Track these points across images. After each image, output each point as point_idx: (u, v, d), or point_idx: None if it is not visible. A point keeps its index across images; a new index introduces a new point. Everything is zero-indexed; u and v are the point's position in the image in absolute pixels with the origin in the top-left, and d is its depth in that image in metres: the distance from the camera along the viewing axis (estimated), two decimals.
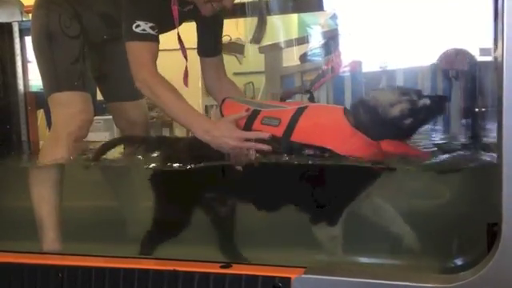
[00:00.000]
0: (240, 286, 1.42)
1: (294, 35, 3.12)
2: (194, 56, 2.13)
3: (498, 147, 1.28)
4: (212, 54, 2.10)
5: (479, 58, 1.98)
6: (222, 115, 1.82)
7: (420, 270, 1.63)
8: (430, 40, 2.15)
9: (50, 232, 1.97)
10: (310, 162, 1.64)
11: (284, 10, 2.62)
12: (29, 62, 2.79)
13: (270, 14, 2.40)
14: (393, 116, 1.60)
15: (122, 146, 2.20)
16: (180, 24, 1.99)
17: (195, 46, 2.13)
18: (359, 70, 2.47)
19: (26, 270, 1.61)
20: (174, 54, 1.96)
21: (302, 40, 2.94)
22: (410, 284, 1.32)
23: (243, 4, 2.15)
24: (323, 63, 2.58)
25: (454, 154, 1.94)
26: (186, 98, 1.81)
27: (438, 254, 1.71)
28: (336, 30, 2.63)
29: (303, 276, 1.39)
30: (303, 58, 2.83)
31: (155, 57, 1.81)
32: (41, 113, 2.96)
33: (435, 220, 1.87)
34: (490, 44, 1.47)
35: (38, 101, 2.79)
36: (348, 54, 2.44)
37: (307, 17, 3.15)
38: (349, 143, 1.62)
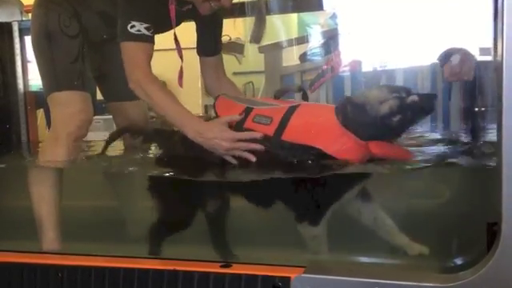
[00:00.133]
0: (240, 285, 1.42)
1: (294, 35, 3.12)
2: (194, 56, 2.13)
3: (497, 147, 1.28)
4: (211, 54, 2.10)
5: (479, 58, 1.99)
6: (216, 112, 1.83)
7: (420, 269, 1.63)
8: (430, 40, 2.15)
9: (49, 232, 1.97)
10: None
11: (284, 10, 2.62)
12: (28, 61, 2.79)
13: (269, 14, 2.40)
14: (381, 114, 1.58)
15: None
16: (179, 24, 1.99)
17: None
18: (359, 69, 2.47)
19: (26, 270, 1.60)
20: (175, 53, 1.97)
21: (302, 39, 2.94)
22: (410, 283, 1.32)
23: (242, 3, 2.15)
24: (323, 63, 2.58)
25: (454, 153, 1.94)
26: (186, 98, 1.81)
27: (438, 254, 1.71)
28: (336, 29, 2.63)
29: (303, 275, 1.39)
30: (303, 57, 2.83)
31: (149, 57, 1.81)
32: (40, 112, 2.96)
33: (435, 219, 1.87)
34: (489, 44, 1.47)
35: (38, 100, 2.79)
36: (348, 53, 2.44)
37: (307, 16, 3.15)
38: (339, 143, 1.60)
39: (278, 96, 1.88)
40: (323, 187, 1.70)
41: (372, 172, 1.69)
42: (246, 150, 1.68)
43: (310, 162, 1.62)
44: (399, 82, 2.38)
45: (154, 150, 2.08)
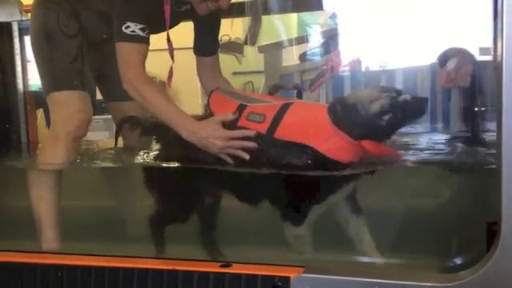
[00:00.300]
0: (239, 285, 1.42)
1: (294, 34, 3.12)
2: (193, 55, 2.13)
3: (497, 147, 1.28)
4: (209, 54, 2.10)
5: (479, 58, 1.99)
6: (209, 108, 1.84)
7: (419, 269, 1.63)
8: (430, 40, 2.15)
9: (49, 231, 1.97)
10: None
11: (283, 10, 2.62)
12: (28, 61, 2.79)
13: (269, 14, 2.40)
14: (371, 113, 1.59)
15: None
16: (177, 23, 1.99)
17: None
18: (359, 69, 2.47)
19: (26, 270, 1.60)
20: (180, 53, 1.97)
21: (302, 39, 2.94)
22: (410, 283, 1.32)
23: (240, 3, 2.15)
24: (323, 62, 2.58)
25: (454, 153, 1.94)
26: (186, 98, 1.81)
27: (438, 253, 1.71)
28: (335, 29, 2.63)
29: (302, 275, 1.39)
30: (303, 57, 2.83)
31: (144, 58, 1.82)
32: (40, 112, 2.96)
33: (435, 219, 1.87)
34: (489, 43, 1.47)
35: (38, 100, 2.79)
36: (347, 53, 2.44)
37: (307, 16, 3.15)
38: (330, 142, 1.61)
39: (272, 92, 1.89)
40: (307, 187, 1.71)
41: (359, 176, 1.71)
42: (239, 148, 1.69)
43: (299, 160, 1.63)
44: (399, 82, 2.38)
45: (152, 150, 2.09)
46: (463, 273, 1.33)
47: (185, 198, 1.91)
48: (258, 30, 2.00)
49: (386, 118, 1.58)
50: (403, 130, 1.80)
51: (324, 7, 2.68)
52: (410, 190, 1.96)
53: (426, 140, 2.18)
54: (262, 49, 2.88)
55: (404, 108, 1.59)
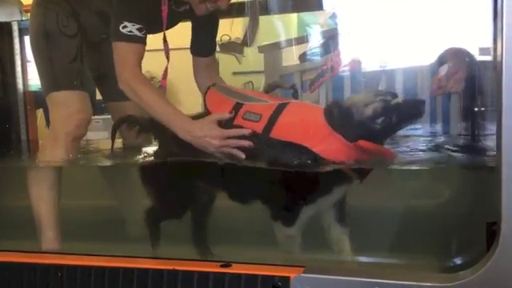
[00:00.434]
0: (239, 285, 1.42)
1: (294, 35, 3.11)
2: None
3: (497, 147, 1.28)
4: (206, 54, 2.10)
5: (478, 58, 1.98)
6: (205, 105, 1.85)
7: (419, 269, 1.63)
8: (430, 40, 2.14)
9: (48, 231, 1.97)
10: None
11: (283, 10, 2.62)
12: (28, 61, 2.79)
13: (269, 14, 2.40)
14: (365, 116, 1.61)
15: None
16: (176, 23, 1.99)
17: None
18: (358, 69, 2.47)
19: (26, 270, 1.60)
20: (177, 53, 1.97)
21: (302, 39, 2.94)
22: (410, 283, 1.32)
23: (239, 4, 2.15)
24: (323, 62, 2.58)
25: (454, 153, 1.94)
26: (186, 98, 1.82)
27: (438, 253, 1.71)
28: (335, 29, 2.63)
29: (302, 275, 1.39)
30: (303, 57, 2.83)
31: (140, 58, 1.82)
32: (40, 112, 2.96)
33: (435, 219, 1.87)
34: (489, 44, 1.47)
35: (38, 100, 2.79)
36: (347, 53, 2.44)
37: (307, 16, 3.14)
38: (326, 143, 1.63)
39: (268, 90, 1.91)
40: (301, 187, 1.73)
41: (350, 181, 1.72)
42: (235, 147, 1.70)
43: (294, 160, 1.65)
44: (399, 82, 2.38)
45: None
46: (463, 273, 1.33)
47: (180, 194, 1.93)
48: (256, 30, 2.00)
49: (380, 121, 1.61)
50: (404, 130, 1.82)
51: (324, 7, 2.68)
52: (410, 190, 1.96)
53: (426, 140, 2.18)
54: (261, 49, 2.87)
55: (398, 111, 1.61)
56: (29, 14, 2.34)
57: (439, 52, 2.09)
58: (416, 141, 2.13)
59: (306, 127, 1.68)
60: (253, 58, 2.99)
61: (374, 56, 2.44)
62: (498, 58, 1.25)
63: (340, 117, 1.64)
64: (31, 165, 2.19)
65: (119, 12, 1.81)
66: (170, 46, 1.95)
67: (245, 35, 2.01)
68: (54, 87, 1.97)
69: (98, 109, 2.39)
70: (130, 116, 2.01)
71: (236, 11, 2.12)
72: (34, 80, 2.75)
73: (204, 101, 1.87)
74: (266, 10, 2.34)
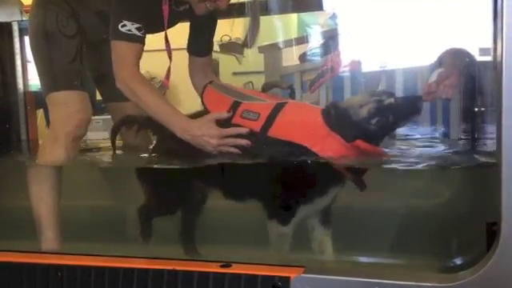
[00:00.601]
0: (239, 285, 1.42)
1: (294, 35, 3.12)
2: None
3: (497, 147, 1.28)
4: (204, 54, 2.11)
5: (478, 58, 1.98)
6: (203, 103, 1.86)
7: (419, 269, 1.63)
8: (430, 40, 2.14)
9: (48, 231, 1.97)
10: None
11: (283, 10, 2.62)
12: (28, 61, 2.79)
13: (269, 14, 2.40)
14: (360, 117, 1.65)
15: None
16: (176, 23, 1.99)
17: None
18: (359, 69, 2.47)
19: (26, 270, 1.60)
20: (177, 53, 1.97)
21: (302, 40, 2.94)
22: (410, 283, 1.32)
23: (240, 4, 2.15)
24: (323, 63, 2.58)
25: (454, 153, 1.94)
26: (186, 98, 1.82)
27: (438, 254, 1.71)
28: (335, 29, 2.63)
29: (302, 275, 1.39)
30: (303, 57, 2.83)
31: (138, 57, 1.83)
32: (40, 112, 2.96)
33: (435, 219, 1.87)
34: (489, 44, 1.47)
35: (38, 100, 2.79)
36: (347, 53, 2.44)
37: (307, 16, 3.15)
38: (324, 143, 1.65)
39: (265, 89, 1.93)
40: (297, 187, 1.75)
41: (346, 181, 1.75)
42: (233, 146, 1.71)
43: (292, 159, 1.67)
44: (399, 82, 2.38)
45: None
46: (463, 273, 1.33)
47: (174, 191, 1.96)
48: (257, 31, 2.01)
49: (374, 121, 1.64)
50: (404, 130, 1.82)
51: (324, 7, 2.68)
52: (410, 191, 1.96)
53: (426, 140, 2.18)
54: (262, 49, 2.87)
55: (394, 110, 1.65)
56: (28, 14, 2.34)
57: (439, 52, 2.09)
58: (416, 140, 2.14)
59: (304, 127, 1.70)
60: (253, 58, 2.99)
61: (374, 56, 2.44)
62: (498, 58, 1.25)
63: (337, 117, 1.67)
64: (31, 165, 2.19)
65: (119, 11, 1.81)
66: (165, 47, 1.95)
67: (246, 36, 2.01)
68: (53, 87, 1.97)
69: (98, 109, 2.39)
70: (129, 116, 2.01)
71: (236, 11, 2.12)
72: (34, 80, 2.75)
73: (202, 99, 1.88)
74: (266, 11, 2.34)
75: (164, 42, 1.94)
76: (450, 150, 2.02)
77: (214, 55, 2.28)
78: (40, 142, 2.78)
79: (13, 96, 2.81)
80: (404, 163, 1.78)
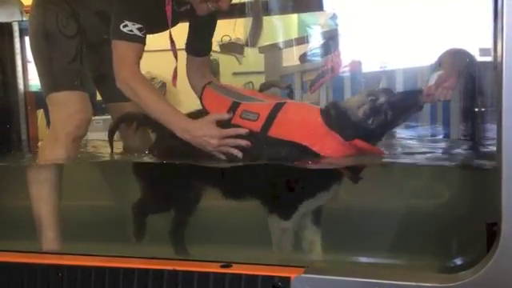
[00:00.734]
0: (240, 285, 1.42)
1: (294, 35, 3.12)
2: None
3: (497, 147, 1.28)
4: (203, 54, 2.12)
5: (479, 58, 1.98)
6: (202, 103, 1.86)
7: (420, 269, 1.63)
8: (430, 40, 2.15)
9: (49, 232, 1.97)
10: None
11: (284, 10, 2.62)
12: (29, 61, 2.79)
13: (269, 14, 2.40)
14: (358, 118, 1.67)
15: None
16: (176, 24, 1.99)
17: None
18: (359, 69, 2.48)
19: (26, 270, 1.60)
20: (179, 53, 1.98)
21: (302, 40, 2.94)
22: (410, 283, 1.32)
23: (241, 4, 2.15)
24: (323, 63, 2.58)
25: (454, 153, 1.94)
26: (186, 98, 1.82)
27: (438, 254, 1.71)
28: (336, 30, 2.63)
29: (303, 275, 1.39)
30: (303, 57, 2.83)
31: (138, 57, 1.83)
32: (41, 112, 2.96)
33: (435, 220, 1.87)
34: (489, 44, 1.47)
35: (38, 100, 2.79)
36: (348, 53, 2.44)
37: (307, 17, 3.15)
38: (324, 142, 1.67)
39: (263, 89, 1.94)
40: (300, 182, 1.76)
41: (346, 179, 1.77)
42: (233, 146, 1.72)
43: (293, 158, 1.68)
44: (399, 82, 2.38)
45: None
46: (463, 273, 1.33)
47: (170, 189, 1.98)
48: (260, 31, 2.01)
49: (371, 120, 1.67)
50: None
51: (324, 8, 2.68)
52: (410, 191, 1.97)
53: (426, 140, 2.19)
54: (262, 49, 2.88)
55: (393, 107, 1.67)
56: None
57: (439, 52, 2.09)
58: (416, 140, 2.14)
59: (304, 126, 1.72)
60: (253, 58, 3.00)
61: (375, 57, 2.44)
62: (499, 59, 1.25)
63: (336, 117, 1.69)
64: (31, 165, 2.19)
65: (121, 11, 1.82)
66: (169, 47, 1.95)
67: (248, 36, 2.01)
68: (54, 88, 1.97)
69: (98, 109, 2.39)
70: (128, 113, 2.02)
71: (237, 12, 2.13)
72: (35, 80, 2.75)
73: (201, 100, 1.88)
74: (266, 11, 2.34)
75: (164, 41, 1.94)
76: (450, 150, 2.02)
77: (215, 55, 2.29)
78: (40, 142, 2.79)
79: (13, 96, 2.81)
80: (404, 163, 1.78)
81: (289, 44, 2.92)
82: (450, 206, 1.95)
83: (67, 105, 1.96)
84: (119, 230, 2.12)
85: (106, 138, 2.08)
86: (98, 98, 2.32)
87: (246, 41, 2.03)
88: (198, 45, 2.10)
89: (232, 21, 2.21)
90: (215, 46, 2.98)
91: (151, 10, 1.83)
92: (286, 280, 1.38)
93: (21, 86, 2.81)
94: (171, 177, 1.94)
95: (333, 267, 1.53)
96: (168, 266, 1.50)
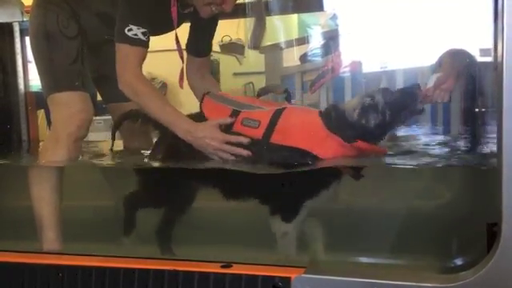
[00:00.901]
0: (240, 285, 1.42)
1: (294, 35, 3.12)
2: None
3: (497, 148, 1.28)
4: (204, 55, 2.12)
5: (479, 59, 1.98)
6: (202, 112, 1.87)
7: (420, 269, 1.63)
8: (430, 40, 2.15)
9: (49, 232, 1.97)
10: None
11: (284, 11, 2.62)
12: (29, 61, 2.79)
13: (270, 15, 2.41)
14: (356, 120, 1.68)
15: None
16: (179, 25, 1.99)
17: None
18: (359, 70, 2.48)
19: (26, 270, 1.60)
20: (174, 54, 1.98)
21: (302, 40, 2.95)
22: (410, 284, 1.32)
23: (243, 5, 2.15)
24: (323, 63, 2.58)
25: (454, 154, 1.94)
26: (186, 98, 1.82)
27: (438, 254, 1.71)
28: (336, 30, 2.63)
29: (303, 276, 1.39)
30: (303, 58, 2.83)
31: (141, 61, 1.84)
32: (41, 113, 2.96)
33: (435, 220, 1.87)
34: (489, 44, 1.47)
35: (39, 101, 2.79)
36: (348, 54, 2.44)
37: (307, 17, 3.15)
38: (324, 145, 1.68)
39: (260, 94, 1.95)
40: (302, 184, 1.77)
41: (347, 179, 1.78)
42: (232, 154, 1.74)
43: (295, 162, 1.69)
44: (399, 82, 2.38)
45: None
46: (464, 273, 1.33)
47: (167, 186, 1.98)
48: (263, 33, 2.02)
49: (369, 121, 1.68)
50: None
51: (325, 8, 2.69)
52: (410, 191, 1.96)
53: (426, 140, 2.18)
54: (262, 50, 2.88)
55: (391, 107, 1.68)
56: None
57: (440, 53, 2.09)
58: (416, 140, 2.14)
59: (305, 130, 1.73)
60: (253, 58, 3.00)
61: (375, 57, 2.44)
62: (499, 59, 1.25)
63: (336, 119, 1.70)
64: (32, 165, 2.19)
65: (126, 15, 1.82)
66: (170, 48, 1.95)
67: (250, 38, 2.02)
68: (55, 88, 1.97)
69: (99, 109, 2.39)
70: (132, 110, 2.02)
71: (240, 13, 2.13)
72: (35, 80, 2.75)
73: (200, 108, 1.88)
74: (267, 11, 2.35)
75: (164, 42, 1.95)
76: (451, 151, 2.02)
77: (215, 55, 2.29)
78: (41, 142, 2.79)
79: (14, 96, 2.81)
80: (404, 163, 1.78)
81: (289, 44, 2.92)
82: (451, 207, 1.95)
83: (68, 105, 1.96)
84: (119, 230, 2.12)
85: (106, 138, 2.09)
86: (99, 98, 2.32)
87: (248, 42, 2.03)
88: (199, 45, 2.10)
89: (234, 22, 2.21)
90: (216, 47, 2.99)
91: (156, 13, 1.84)
92: (287, 280, 1.39)
93: (21, 86, 2.81)
94: (169, 175, 1.95)
95: (333, 267, 1.53)
96: (168, 266, 1.50)
